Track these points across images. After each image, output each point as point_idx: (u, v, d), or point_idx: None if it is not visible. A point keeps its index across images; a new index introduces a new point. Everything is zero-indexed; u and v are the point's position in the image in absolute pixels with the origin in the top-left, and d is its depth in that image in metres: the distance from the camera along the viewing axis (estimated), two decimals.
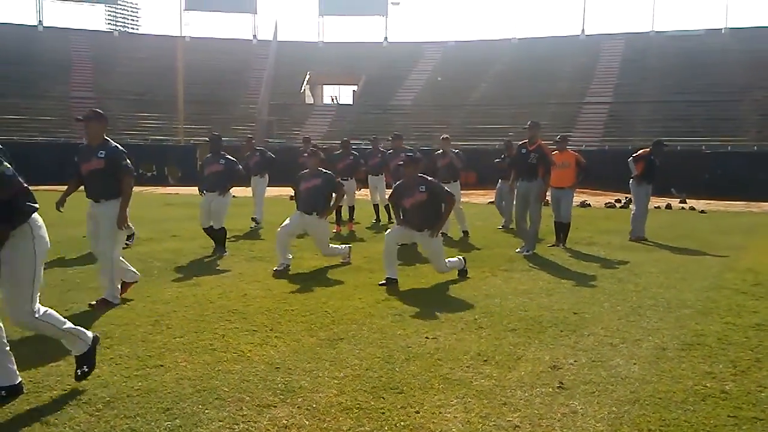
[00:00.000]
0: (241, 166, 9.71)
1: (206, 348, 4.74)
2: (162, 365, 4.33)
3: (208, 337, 5.02)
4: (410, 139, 24.91)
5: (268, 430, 3.41)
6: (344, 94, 50.84)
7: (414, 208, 7.35)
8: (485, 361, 4.53)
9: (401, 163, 7.73)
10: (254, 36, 50.34)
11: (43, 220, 3.88)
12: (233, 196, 9.77)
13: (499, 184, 13.27)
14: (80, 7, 62.69)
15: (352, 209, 12.65)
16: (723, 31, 43.02)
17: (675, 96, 35.54)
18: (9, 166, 3.62)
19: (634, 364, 4.50)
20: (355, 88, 45.81)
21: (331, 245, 8.54)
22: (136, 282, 6.46)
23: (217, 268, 8.24)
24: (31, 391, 3.84)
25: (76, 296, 6.41)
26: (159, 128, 38.16)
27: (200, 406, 3.66)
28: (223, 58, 45.09)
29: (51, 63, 41.82)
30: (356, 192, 12.85)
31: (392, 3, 52.07)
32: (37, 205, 3.79)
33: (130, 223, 9.88)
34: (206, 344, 4.83)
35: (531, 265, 8.68)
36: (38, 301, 3.84)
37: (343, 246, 8.89)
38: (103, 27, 54.06)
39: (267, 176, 13.31)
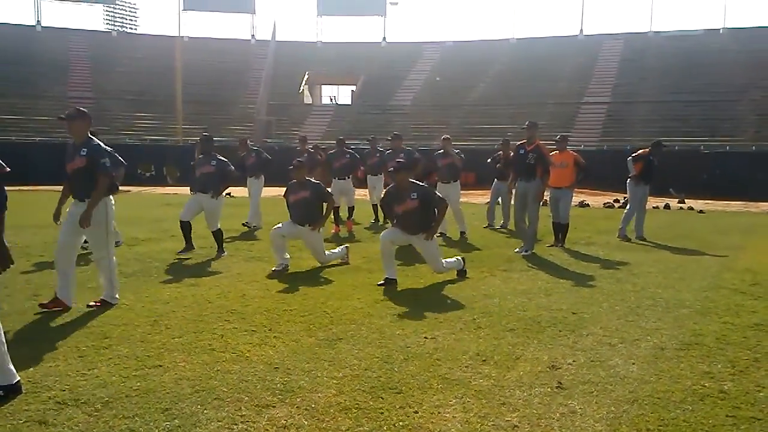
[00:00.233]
0: (233, 167, 9.61)
1: (205, 348, 4.74)
2: (161, 365, 4.33)
3: (206, 337, 5.02)
4: (409, 139, 24.89)
5: (267, 430, 3.41)
6: (343, 94, 50.84)
7: (406, 215, 7.33)
8: (484, 361, 4.53)
9: (390, 169, 7.71)
10: (252, 36, 50.32)
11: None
12: (231, 195, 9.76)
13: (494, 184, 13.19)
14: (78, 7, 62.69)
15: (351, 209, 12.56)
16: (721, 32, 43.05)
17: (673, 96, 35.57)
18: None
19: (633, 363, 4.51)
20: (353, 88, 45.80)
21: (327, 252, 8.51)
22: (69, 308, 5.88)
23: (216, 268, 8.24)
24: (30, 391, 3.84)
25: (75, 296, 6.39)
26: (157, 128, 38.14)
27: (199, 407, 3.66)
28: (222, 58, 45.08)
29: (49, 63, 41.78)
30: (355, 192, 12.76)
31: (390, 3, 52.11)
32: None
33: (118, 230, 9.95)
34: (205, 344, 4.83)
35: (530, 265, 8.68)
36: None
37: (340, 248, 8.86)
38: (102, 27, 54.03)
39: (262, 177, 13.04)
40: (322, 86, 51.17)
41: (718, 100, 34.46)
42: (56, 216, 6.20)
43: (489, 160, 13.31)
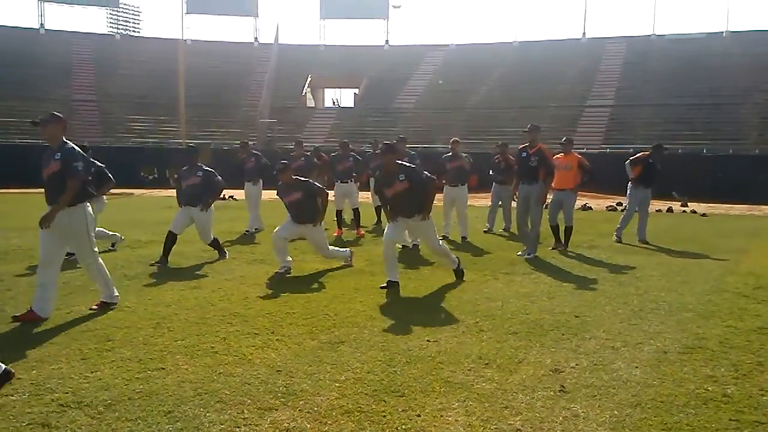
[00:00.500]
0: (219, 177, 9.24)
1: (207, 351, 4.74)
2: (163, 368, 4.34)
3: (209, 340, 5.03)
4: (412, 143, 24.85)
5: None
6: (346, 98, 50.94)
7: (396, 197, 7.28)
8: (486, 364, 4.53)
9: (377, 151, 7.62)
10: (256, 39, 50.41)
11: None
12: (234, 198, 9.72)
13: (494, 188, 13.10)
14: (82, 10, 62.74)
15: (357, 212, 12.40)
16: (724, 35, 43.03)
17: (676, 99, 35.54)
18: None
19: (636, 367, 4.50)
20: (356, 91, 45.85)
21: (331, 248, 8.54)
22: (43, 320, 5.64)
23: (219, 271, 8.25)
24: (33, 394, 3.85)
25: (77, 299, 6.42)
26: (160, 131, 38.22)
27: (201, 409, 3.66)
28: (225, 61, 45.16)
29: (52, 66, 41.90)
30: (359, 195, 12.69)
31: (393, 6, 52.13)
32: None
33: (115, 233, 9.93)
34: (207, 347, 4.83)
35: (532, 268, 8.67)
36: None
37: (344, 249, 8.86)
38: (105, 30, 54.07)
39: (261, 182, 12.78)
40: (325, 89, 51.24)
41: (721, 104, 34.43)
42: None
43: (491, 173, 13.21)
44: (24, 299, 6.32)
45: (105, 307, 6.00)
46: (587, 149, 28.62)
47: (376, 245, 10.25)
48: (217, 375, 4.22)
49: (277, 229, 8.26)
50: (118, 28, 55.01)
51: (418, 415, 3.65)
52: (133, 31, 56.54)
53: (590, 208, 19.87)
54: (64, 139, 5.85)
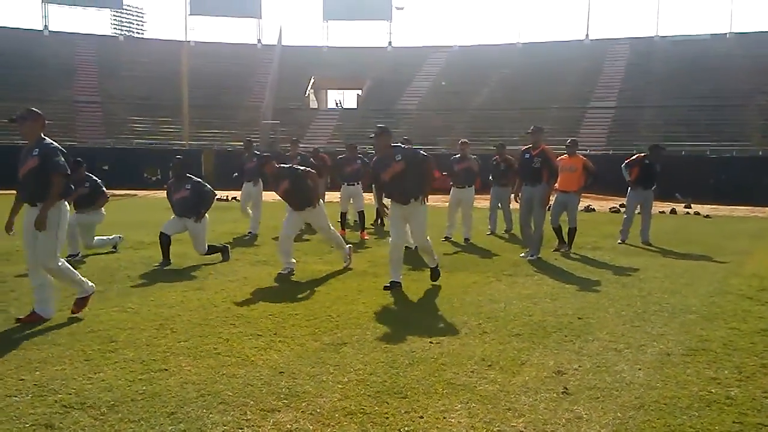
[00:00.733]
0: (209, 188, 9.13)
1: (210, 352, 4.74)
2: (166, 369, 4.34)
3: (212, 341, 5.03)
4: (414, 144, 24.88)
5: None
6: (348, 99, 51.00)
7: (393, 180, 7.13)
8: (489, 366, 4.52)
9: (371, 136, 7.44)
10: (259, 40, 50.48)
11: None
12: (237, 200, 9.69)
13: (493, 189, 12.98)
14: (85, 12, 62.99)
15: (362, 215, 12.31)
16: (728, 36, 42.98)
17: (679, 101, 35.48)
18: None
19: (639, 369, 4.49)
20: (359, 92, 45.87)
21: (333, 230, 8.55)
22: (45, 320, 5.62)
23: (222, 272, 8.26)
24: (36, 395, 3.85)
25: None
26: (163, 132, 38.28)
27: (204, 411, 3.67)
28: (228, 62, 45.21)
29: (56, 67, 42.00)
30: (364, 198, 12.63)
31: (396, 8, 52.22)
32: None
33: (115, 234, 9.94)
34: (210, 348, 4.83)
35: (535, 269, 8.66)
36: None
37: (347, 246, 8.80)
38: (108, 31, 54.46)
39: (261, 183, 12.54)
40: (328, 91, 51.30)
41: (725, 105, 34.38)
42: (8, 226, 5.80)
43: (491, 178, 13.17)
44: (27, 300, 6.32)
45: (83, 303, 5.84)
46: (590, 151, 28.61)
47: (379, 247, 10.27)
48: (220, 376, 4.22)
49: (282, 228, 8.25)
50: (121, 30, 55.25)
51: (421, 417, 3.65)
52: (137, 32, 56.78)
53: (593, 209, 19.85)
54: (42, 136, 5.68)
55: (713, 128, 32.96)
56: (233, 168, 12.63)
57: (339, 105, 50.28)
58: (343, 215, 12.48)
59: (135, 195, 24.82)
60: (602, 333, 5.41)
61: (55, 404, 3.73)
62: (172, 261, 8.67)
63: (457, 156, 11.68)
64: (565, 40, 47.64)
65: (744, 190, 25.25)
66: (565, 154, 10.53)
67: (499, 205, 13.03)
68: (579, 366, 4.54)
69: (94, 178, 9.67)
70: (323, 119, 42.58)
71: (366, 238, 11.82)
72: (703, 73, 37.17)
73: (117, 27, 55.30)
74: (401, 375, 4.30)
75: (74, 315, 5.75)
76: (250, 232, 12.05)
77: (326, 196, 14.35)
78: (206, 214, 9.04)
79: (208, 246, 9.07)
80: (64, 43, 45.32)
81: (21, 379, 4.10)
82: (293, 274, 7.95)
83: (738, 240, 12.72)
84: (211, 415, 3.61)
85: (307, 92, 44.73)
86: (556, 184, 9.97)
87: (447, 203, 12.09)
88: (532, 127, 9.89)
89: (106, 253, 9.59)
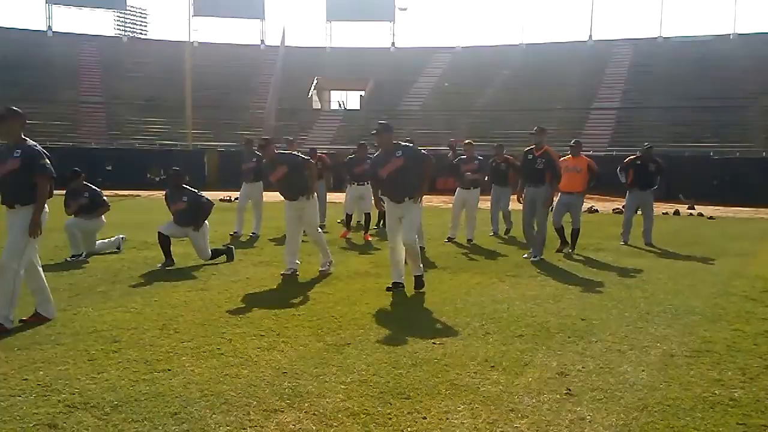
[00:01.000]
0: (205, 198, 9.06)
1: (214, 352, 4.75)
2: (169, 369, 4.34)
3: (215, 341, 5.03)
4: (417, 145, 24.87)
5: None
6: (351, 100, 51.03)
7: (391, 177, 7.03)
8: (492, 367, 4.52)
9: (373, 133, 7.29)
10: (262, 41, 50.59)
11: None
12: (231, 200, 9.61)
13: (493, 190, 12.84)
14: (89, 13, 63.09)
15: (368, 217, 12.21)
16: (731, 37, 42.96)
17: (683, 102, 35.46)
18: None
19: (642, 370, 4.48)
20: (362, 93, 45.93)
21: (320, 232, 8.38)
22: (49, 320, 5.58)
23: (225, 272, 8.26)
24: (40, 395, 3.86)
25: (85, 300, 6.44)
26: (167, 133, 38.36)
27: (208, 411, 3.67)
28: (231, 63, 45.32)
29: (60, 68, 42.13)
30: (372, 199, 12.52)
31: (400, 8, 52.33)
32: None
33: (122, 235, 9.94)
34: (213, 348, 4.84)
35: (538, 271, 8.65)
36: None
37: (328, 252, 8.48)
38: (112, 32, 54.57)
39: (261, 183, 12.25)
40: (331, 91, 51.37)
41: (728, 106, 34.35)
42: None
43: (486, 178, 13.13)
44: (30, 300, 6.33)
45: (37, 319, 5.54)
46: (594, 152, 28.57)
47: (382, 248, 10.25)
48: (223, 376, 4.23)
49: (285, 228, 8.23)
50: (125, 30, 55.37)
51: (424, 418, 3.64)
52: (140, 33, 56.88)
53: (597, 210, 19.82)
54: (23, 136, 5.49)
55: (717, 129, 32.94)
56: (237, 169, 12.52)
57: (342, 106, 50.33)
58: (349, 216, 12.40)
59: (138, 195, 24.86)
60: (605, 334, 5.40)
61: (59, 404, 3.73)
62: (175, 261, 8.67)
63: (463, 157, 11.66)
64: (569, 41, 47.65)
65: (748, 191, 25.19)
66: (569, 154, 10.52)
67: (501, 205, 12.98)
68: (582, 367, 4.53)
69: (93, 187, 9.67)
70: (326, 120, 42.65)
71: (369, 239, 11.80)
72: (707, 75, 37.15)
73: (120, 28, 55.44)
74: (404, 376, 4.30)
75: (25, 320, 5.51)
76: (253, 233, 12.05)
77: (327, 197, 14.39)
78: (206, 221, 8.96)
79: (212, 250, 9.00)
80: (68, 44, 45.47)
81: (25, 379, 4.11)
82: (296, 275, 7.95)
83: (742, 241, 12.69)
84: (214, 416, 3.61)
85: (310, 93, 44.80)
86: (560, 185, 9.94)
87: (451, 204, 12.07)
88: (535, 128, 9.88)
89: (110, 253, 9.60)
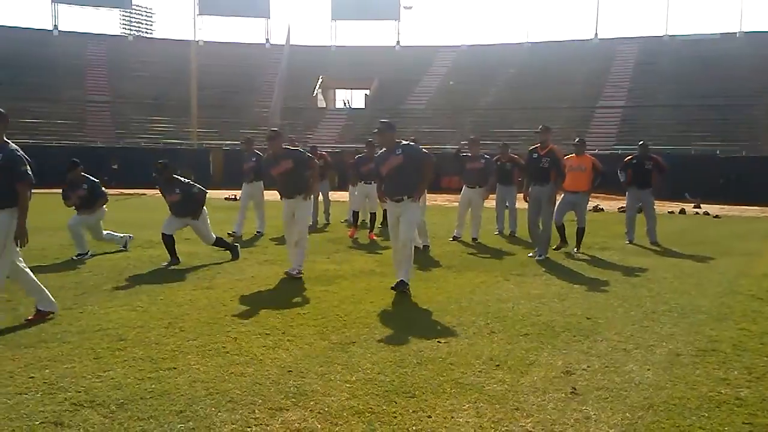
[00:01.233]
0: (198, 188, 9.03)
1: (219, 351, 4.76)
2: (175, 367, 4.35)
3: (220, 339, 5.04)
4: (422, 144, 24.87)
5: None
6: (356, 98, 51.06)
7: (391, 174, 7.03)
8: (497, 365, 4.51)
9: (374, 131, 7.24)
10: (267, 40, 50.61)
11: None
12: (236, 198, 9.59)
13: (498, 189, 12.76)
14: (95, 12, 63.34)
15: (373, 216, 12.19)
16: (737, 35, 42.78)
17: (689, 100, 35.34)
18: None
19: (648, 369, 4.47)
20: (367, 92, 45.92)
21: (307, 237, 8.19)
22: (53, 313, 5.65)
23: (230, 271, 8.27)
24: (46, 393, 3.87)
25: (90, 299, 6.46)
26: (172, 132, 38.44)
27: (213, 409, 3.68)
28: (236, 62, 45.37)
29: (66, 67, 42.26)
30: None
31: (405, 7, 52.29)
32: None
33: (130, 234, 9.94)
34: (219, 347, 4.85)
35: (543, 269, 8.64)
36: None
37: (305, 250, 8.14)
38: (118, 31, 54.73)
39: (261, 183, 12.15)
40: (336, 90, 51.41)
41: (734, 104, 34.22)
42: None
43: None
44: (32, 300, 6.36)
45: None
46: (599, 150, 28.54)
47: (387, 247, 10.24)
48: (229, 375, 4.24)
49: (283, 227, 8.21)
50: (130, 29, 55.51)
51: (429, 416, 3.64)
52: (146, 32, 57.04)
53: (602, 209, 19.79)
54: (5, 139, 5.33)
55: (723, 127, 32.82)
56: (241, 168, 12.47)
57: (347, 105, 50.35)
58: (356, 213, 12.36)
59: (144, 194, 24.91)
60: (611, 333, 5.39)
61: (65, 402, 3.75)
62: (180, 260, 8.69)
63: (467, 154, 11.64)
64: (574, 39, 47.54)
65: (754, 190, 25.11)
66: (573, 153, 10.49)
67: (507, 205, 12.95)
68: (588, 366, 4.52)
69: (92, 179, 9.55)
70: (331, 119, 42.67)
71: (374, 238, 11.80)
72: (713, 73, 37.01)
73: (126, 27, 55.64)
74: (409, 374, 4.30)
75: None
76: (258, 231, 12.06)
77: (330, 195, 14.39)
78: (204, 208, 8.99)
79: (216, 238, 9.09)
80: (74, 43, 45.61)
81: (31, 377, 4.13)
82: (301, 274, 7.95)
83: (748, 240, 12.65)
84: (219, 414, 3.62)
85: (315, 92, 44.82)
86: (564, 185, 9.92)
87: (457, 203, 12.06)
88: (540, 127, 9.85)
89: (114, 252, 9.63)
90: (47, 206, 10.96)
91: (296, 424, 3.51)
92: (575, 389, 4.06)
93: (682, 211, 19.95)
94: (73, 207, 9.44)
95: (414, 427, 3.51)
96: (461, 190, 11.75)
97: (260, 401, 3.81)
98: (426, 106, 41.25)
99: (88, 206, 9.37)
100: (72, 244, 9.31)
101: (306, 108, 42.66)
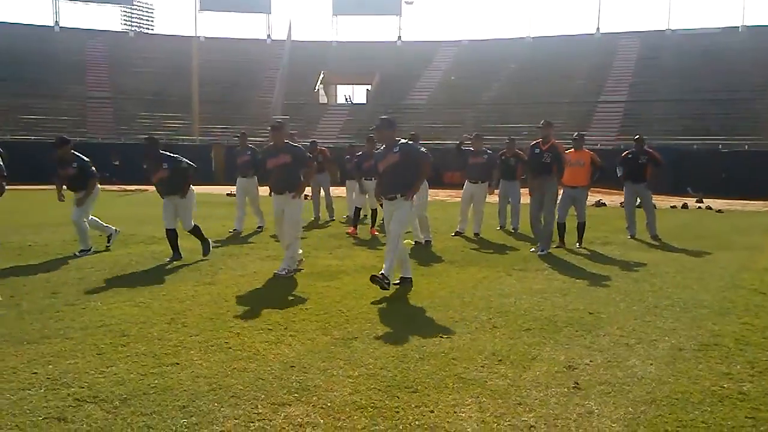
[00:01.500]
0: (186, 162, 8.72)
1: (222, 346, 4.76)
2: (178, 363, 4.36)
3: (223, 335, 5.05)
4: (423, 139, 24.82)
5: (283, 428, 3.42)
6: (358, 94, 50.99)
7: (387, 172, 6.98)
8: (500, 360, 4.51)
9: (373, 128, 7.17)
10: (268, 36, 50.53)
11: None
12: (233, 194, 9.45)
13: (501, 185, 12.70)
14: (96, 8, 63.22)
15: (375, 213, 12.17)
16: (740, 29, 42.63)
17: (691, 94, 35.26)
18: None
19: (651, 364, 4.47)
20: (369, 87, 45.87)
21: (299, 232, 8.13)
22: None
23: (232, 267, 8.28)
24: (49, 388, 3.88)
25: (93, 295, 6.46)
26: (174, 128, 38.42)
27: (216, 404, 3.68)
28: (238, 58, 45.33)
29: (67, 63, 42.25)
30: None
31: (406, 2, 52.12)
32: None
33: (118, 228, 9.84)
34: (221, 342, 4.85)
35: (546, 264, 8.63)
36: None
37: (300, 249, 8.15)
38: (119, 27, 54.54)
39: (255, 178, 12.02)
40: (338, 85, 51.38)
41: (737, 99, 34.14)
42: None
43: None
44: (41, 294, 6.38)
45: None
46: (601, 145, 28.49)
47: None
48: (231, 370, 4.24)
49: (275, 223, 8.18)
50: (131, 26, 55.37)
51: (432, 411, 3.65)
52: (147, 28, 56.89)
53: (604, 204, 19.77)
54: None
55: (725, 122, 32.73)
56: (235, 162, 12.39)
57: (348, 100, 50.29)
58: (358, 210, 12.34)
59: (145, 190, 24.93)
60: (613, 328, 5.39)
61: (68, 397, 3.75)
62: (183, 255, 8.69)
63: (470, 149, 11.61)
64: (576, 34, 47.38)
65: (757, 184, 25.07)
66: (572, 148, 10.46)
67: (509, 200, 12.91)
68: (590, 361, 4.52)
69: (83, 157, 9.22)
70: (333, 114, 42.62)
71: (376, 234, 11.80)
72: (715, 67, 36.91)
73: (127, 23, 55.43)
74: (412, 369, 4.30)
75: None
76: (259, 227, 12.05)
77: (332, 191, 14.37)
78: (192, 188, 8.76)
79: (195, 226, 8.85)
80: (75, 39, 45.57)
81: (34, 373, 4.14)
82: (302, 269, 7.95)
83: (750, 235, 12.64)
84: (222, 409, 3.62)
85: (317, 87, 44.79)
86: (564, 180, 9.90)
87: (460, 198, 12.04)
88: (542, 122, 9.85)
89: (106, 250, 9.63)
90: (48, 203, 10.98)
91: (299, 419, 3.51)
92: (578, 384, 4.06)
93: (685, 206, 19.92)
94: (64, 186, 9.12)
95: (416, 422, 3.51)
96: (463, 186, 11.73)
97: (263, 396, 3.81)
98: (427, 101, 41.19)
99: (80, 186, 9.10)
100: (76, 240, 9.31)
101: (307, 103, 42.62)
